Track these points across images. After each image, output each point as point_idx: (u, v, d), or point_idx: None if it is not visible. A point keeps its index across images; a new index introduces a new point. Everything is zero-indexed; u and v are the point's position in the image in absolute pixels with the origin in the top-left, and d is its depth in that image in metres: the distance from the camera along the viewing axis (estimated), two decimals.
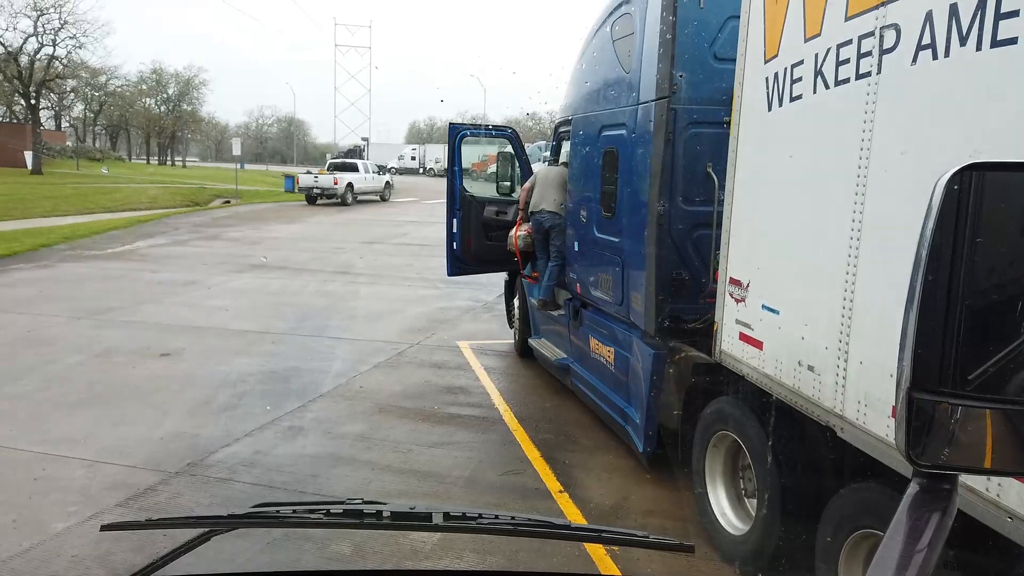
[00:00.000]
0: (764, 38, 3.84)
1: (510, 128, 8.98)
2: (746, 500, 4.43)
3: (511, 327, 9.50)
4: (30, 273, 13.60)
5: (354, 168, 33.98)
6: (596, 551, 4.34)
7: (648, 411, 5.23)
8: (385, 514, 1.23)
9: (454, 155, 8.15)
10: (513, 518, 1.23)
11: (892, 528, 0.82)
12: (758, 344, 3.87)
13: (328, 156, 58.77)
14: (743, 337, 4.03)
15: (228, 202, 31.97)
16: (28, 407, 6.63)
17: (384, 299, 12.09)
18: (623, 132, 5.59)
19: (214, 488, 5.15)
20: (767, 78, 3.80)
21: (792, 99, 3.56)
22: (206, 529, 1.32)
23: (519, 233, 7.67)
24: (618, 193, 5.74)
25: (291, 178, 40.59)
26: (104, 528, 1.37)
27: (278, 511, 1.30)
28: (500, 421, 6.78)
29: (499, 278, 9.66)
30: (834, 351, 3.18)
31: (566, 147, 7.60)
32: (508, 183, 8.48)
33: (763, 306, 3.81)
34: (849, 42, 3.10)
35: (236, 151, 38.30)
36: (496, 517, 1.23)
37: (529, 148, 10.15)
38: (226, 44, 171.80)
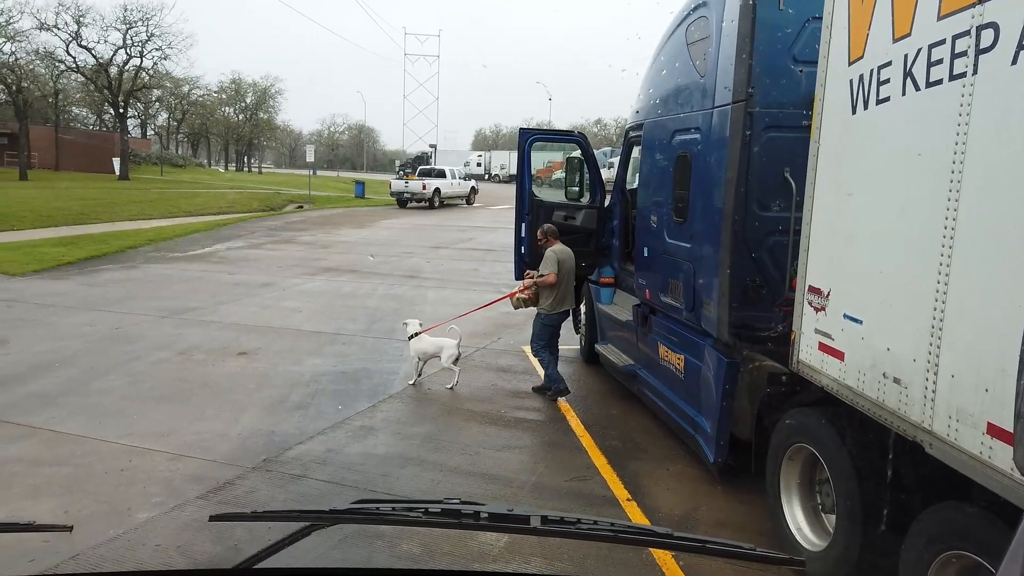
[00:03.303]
0: (848, 39, 3.72)
1: (580, 133, 8.96)
2: (823, 515, 4.29)
3: (577, 332, 9.46)
4: (117, 273, 14.29)
5: (442, 174, 36.30)
6: (666, 562, 4.27)
7: (720, 421, 5.13)
8: (483, 515, 1.23)
9: (523, 160, 8.16)
10: (612, 524, 1.21)
11: (1010, 556, 0.78)
12: (839, 355, 3.74)
13: (396, 163, 59.92)
14: (823, 347, 3.90)
15: (301, 207, 32.92)
16: (115, 401, 6.96)
17: (451, 303, 12.20)
18: (697, 136, 5.50)
19: (289, 484, 5.30)
20: (851, 80, 3.68)
21: (879, 102, 3.44)
22: (307, 523, 1.35)
23: (519, 295, 7.66)
24: (690, 198, 5.65)
25: (361, 184, 41.69)
26: (212, 519, 1.42)
27: (378, 508, 1.31)
28: (566, 427, 6.75)
29: None
30: (923, 363, 3.05)
31: (636, 152, 7.54)
32: (576, 188, 8.46)
33: (845, 315, 3.69)
34: (942, 42, 2.98)
35: (310, 158, 39.62)
36: (595, 523, 1.21)
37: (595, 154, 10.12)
38: (302, 54, 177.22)
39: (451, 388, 7.55)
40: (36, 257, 15.37)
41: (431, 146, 71.01)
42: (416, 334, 7.77)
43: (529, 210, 8.18)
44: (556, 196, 9.06)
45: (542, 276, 7.33)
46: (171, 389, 7.38)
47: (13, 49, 44.64)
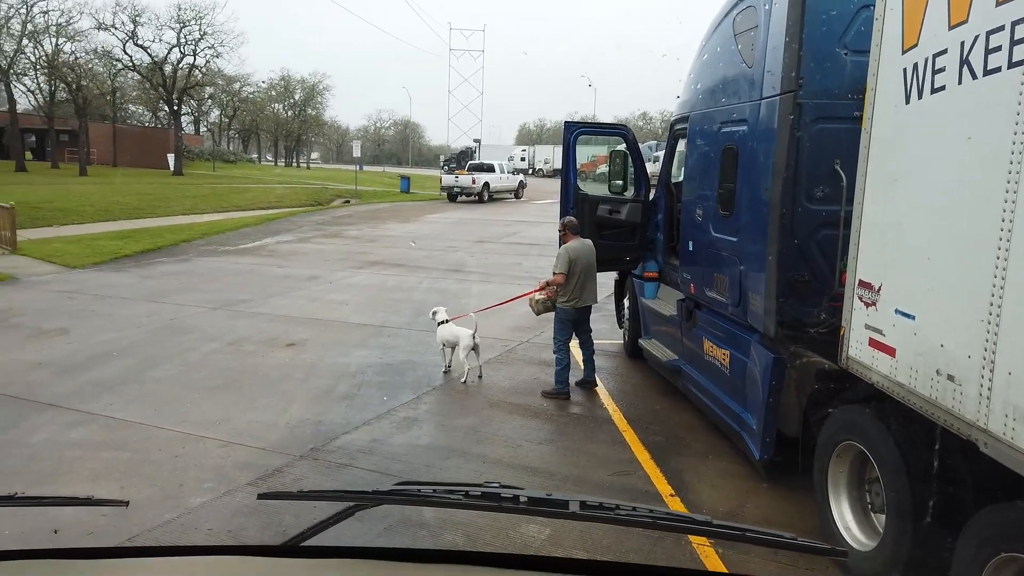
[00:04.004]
0: (902, 27, 3.62)
1: (625, 126, 8.89)
2: (872, 515, 4.20)
3: (620, 327, 9.42)
4: (172, 266, 14.72)
5: (491, 169, 36.97)
6: (707, 554, 4.24)
7: (766, 417, 5.06)
8: (522, 499, 1.24)
9: (569, 153, 8.14)
10: (651, 511, 1.22)
11: None
12: (890, 351, 3.65)
13: (441, 158, 60.41)
14: (873, 343, 3.82)
15: (348, 202, 33.39)
16: (170, 390, 7.18)
17: (494, 296, 12.22)
18: (744, 128, 5.42)
19: (335, 472, 5.40)
20: (904, 69, 3.59)
21: (933, 91, 3.34)
22: (351, 503, 1.38)
23: (537, 297, 7.60)
24: (737, 191, 5.57)
25: (406, 179, 42.11)
26: (261, 497, 1.47)
27: (419, 489, 1.34)
28: (609, 421, 6.74)
29: (609, 278, 9.58)
30: (978, 360, 2.96)
31: (681, 145, 7.46)
32: (621, 182, 8.40)
33: (896, 310, 3.60)
34: (1001, 28, 2.88)
35: (356, 153, 40.20)
36: (634, 509, 1.22)
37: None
38: (349, 51, 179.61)
39: (465, 382, 7.57)
40: (96, 250, 15.93)
41: (475, 141, 71.26)
42: (443, 321, 7.92)
43: (574, 204, 8.15)
44: (601, 190, 9.01)
45: (553, 276, 7.31)
46: (223, 379, 7.58)
47: (73, 48, 46.34)
